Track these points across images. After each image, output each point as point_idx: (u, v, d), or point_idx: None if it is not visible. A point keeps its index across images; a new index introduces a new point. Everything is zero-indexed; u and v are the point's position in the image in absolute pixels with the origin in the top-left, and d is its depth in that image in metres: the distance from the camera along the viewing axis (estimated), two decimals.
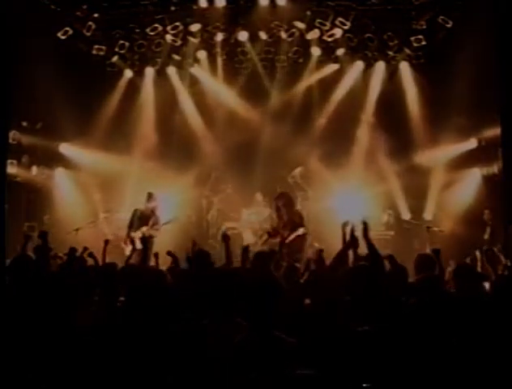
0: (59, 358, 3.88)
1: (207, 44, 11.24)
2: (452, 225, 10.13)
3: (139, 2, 10.23)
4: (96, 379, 3.70)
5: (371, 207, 10.67)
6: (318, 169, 11.04)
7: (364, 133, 11.40)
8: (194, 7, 10.33)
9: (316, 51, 11.16)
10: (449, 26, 10.06)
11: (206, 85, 11.82)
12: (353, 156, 11.20)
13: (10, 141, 9.40)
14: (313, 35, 10.70)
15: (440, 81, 10.52)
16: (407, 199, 10.98)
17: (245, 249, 5.38)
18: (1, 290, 4.86)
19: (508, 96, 8.18)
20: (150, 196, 9.09)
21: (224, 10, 10.39)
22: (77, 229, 9.55)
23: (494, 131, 9.22)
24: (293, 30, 10.72)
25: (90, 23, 10.32)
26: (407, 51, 10.87)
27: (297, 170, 10.90)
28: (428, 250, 7.51)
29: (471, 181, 10.48)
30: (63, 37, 10.31)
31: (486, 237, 9.48)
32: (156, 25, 10.53)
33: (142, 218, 8.96)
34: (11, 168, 9.68)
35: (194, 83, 11.84)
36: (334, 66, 11.53)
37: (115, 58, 11.24)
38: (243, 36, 10.87)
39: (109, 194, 11.23)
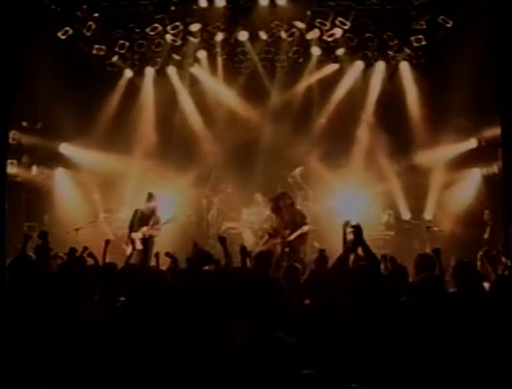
0: (59, 358, 3.88)
1: (207, 44, 11.24)
2: (452, 225, 10.13)
3: (139, 2, 10.23)
4: (96, 379, 3.70)
5: (371, 207, 10.68)
6: (318, 169, 11.04)
7: (364, 133, 11.40)
8: (194, 7, 10.33)
9: (316, 51, 11.16)
10: (449, 26, 10.06)
11: (206, 85, 11.82)
12: (353, 156, 11.20)
13: (10, 141, 9.39)
14: (313, 35, 10.70)
15: (440, 81, 10.52)
16: (407, 199, 10.98)
17: (243, 248, 5.39)
18: (1, 290, 4.86)
19: (508, 96, 8.19)
20: (150, 196, 9.10)
21: (224, 10, 10.39)
22: (77, 229, 9.55)
23: (494, 131, 9.21)
24: (293, 30, 10.72)
25: (90, 23, 10.32)
26: (407, 51, 10.87)
27: (297, 170, 10.91)
28: (428, 250, 7.51)
29: (471, 181, 10.47)
30: (63, 37, 10.31)
31: (486, 237, 9.49)
32: (156, 25, 10.53)
33: (142, 218, 8.97)
34: (11, 168, 9.67)
35: (194, 83, 11.84)
36: (334, 66, 11.53)
37: (115, 58, 11.24)
38: (243, 35, 10.87)
39: (109, 194, 11.23)
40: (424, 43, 10.49)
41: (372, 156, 11.16)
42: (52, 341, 3.99)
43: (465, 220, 10.07)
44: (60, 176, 11.50)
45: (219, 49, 11.31)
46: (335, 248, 5.60)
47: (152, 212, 8.99)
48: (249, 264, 5.38)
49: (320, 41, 10.90)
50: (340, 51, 11.13)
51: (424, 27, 10.31)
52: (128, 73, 11.68)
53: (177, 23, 10.56)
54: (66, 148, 11.43)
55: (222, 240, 5.72)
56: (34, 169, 10.91)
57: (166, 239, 9.14)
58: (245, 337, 3.28)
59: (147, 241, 7.94)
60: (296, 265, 5.22)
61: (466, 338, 3.76)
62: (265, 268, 5.28)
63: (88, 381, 3.71)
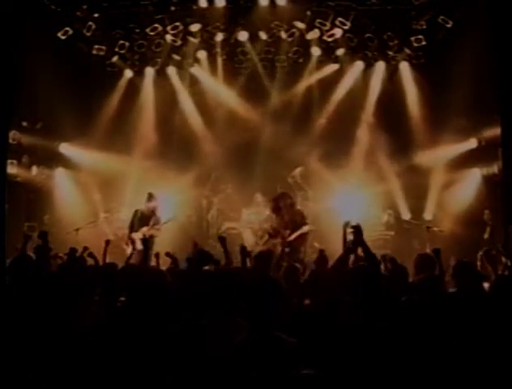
0: (59, 358, 3.88)
1: (207, 44, 11.24)
2: (452, 225, 10.13)
3: (139, 2, 10.23)
4: (96, 379, 3.71)
5: (371, 207, 10.68)
6: (318, 169, 11.04)
7: (364, 133, 11.40)
8: (194, 7, 10.33)
9: (316, 51, 11.15)
10: (449, 26, 10.06)
11: (206, 85, 11.82)
12: (353, 156, 11.20)
13: (10, 141, 9.40)
14: (313, 35, 10.69)
15: (440, 81, 10.52)
16: (407, 199, 10.98)
17: (243, 248, 5.39)
18: (1, 290, 4.86)
19: (508, 96, 8.19)
20: (150, 196, 9.10)
21: (224, 10, 10.39)
22: (77, 229, 9.55)
23: (494, 131, 9.21)
24: (293, 30, 10.72)
25: (90, 23, 10.31)
26: (407, 51, 10.86)
27: (297, 170, 10.90)
28: (428, 250, 7.51)
29: (471, 181, 10.47)
30: (63, 37, 10.31)
31: (486, 237, 9.48)
32: (156, 25, 10.52)
33: (142, 218, 8.97)
34: (11, 168, 9.67)
35: (194, 83, 11.84)
36: (334, 66, 11.52)
37: (115, 58, 11.23)
38: (243, 36, 10.86)
39: (109, 194, 11.23)
40: (424, 43, 10.49)
41: (372, 156, 11.16)
42: (52, 341, 3.99)
43: (465, 220, 10.06)
44: (60, 176, 11.49)
45: (219, 50, 11.31)
46: (335, 248, 5.60)
47: (152, 212, 9.00)
48: (249, 264, 5.38)
49: (320, 41, 10.90)
50: (340, 51, 11.12)
51: (424, 27, 10.31)
52: (128, 73, 11.67)
53: (177, 24, 10.56)
54: (66, 148, 11.43)
55: (222, 240, 5.73)
56: (34, 169, 10.90)
57: (166, 239, 9.14)
58: (245, 337, 3.28)
59: (147, 242, 7.94)
60: (296, 265, 5.23)
61: (466, 338, 3.77)
62: (265, 268, 5.28)
63: (88, 381, 3.71)
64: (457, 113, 10.20)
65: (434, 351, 3.57)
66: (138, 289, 4.26)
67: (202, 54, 11.43)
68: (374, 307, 3.74)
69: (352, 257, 5.00)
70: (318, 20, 10.39)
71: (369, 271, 4.01)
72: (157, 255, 6.19)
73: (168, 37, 10.79)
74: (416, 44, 10.57)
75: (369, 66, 11.41)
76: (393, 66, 11.34)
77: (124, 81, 11.69)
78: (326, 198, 10.88)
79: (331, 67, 11.54)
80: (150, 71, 11.68)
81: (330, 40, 10.74)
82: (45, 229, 6.67)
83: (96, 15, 10.34)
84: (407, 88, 11.25)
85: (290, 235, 8.27)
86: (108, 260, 6.05)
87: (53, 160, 11.37)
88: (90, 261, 5.86)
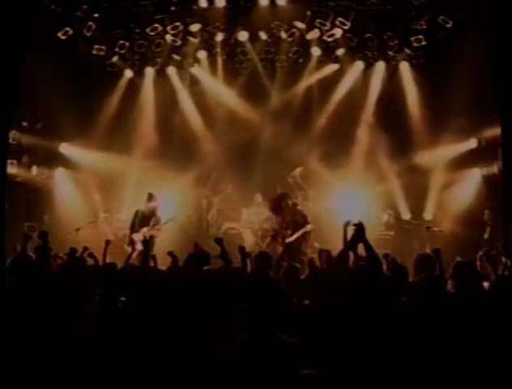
0: (59, 358, 3.88)
1: (207, 44, 11.25)
2: (452, 225, 10.12)
3: (139, 2, 10.23)
4: (96, 379, 3.71)
5: (371, 207, 10.68)
6: (318, 169, 11.04)
7: (364, 133, 11.40)
8: (194, 7, 10.33)
9: (316, 51, 11.16)
10: (449, 26, 10.06)
11: (206, 85, 11.83)
12: (353, 156, 11.21)
13: (10, 141, 9.40)
14: (313, 35, 10.70)
15: (440, 81, 10.52)
16: (407, 199, 10.98)
17: (242, 249, 5.38)
18: (1, 290, 4.86)
19: (508, 96, 8.19)
20: (150, 196, 9.10)
21: (224, 10, 10.39)
22: (77, 229, 9.54)
23: (494, 131, 9.21)
24: (293, 30, 10.73)
25: (90, 23, 10.32)
26: (407, 51, 10.87)
27: (297, 170, 10.91)
28: (428, 250, 7.50)
29: (471, 181, 10.47)
30: (63, 37, 10.32)
31: (486, 237, 9.48)
32: (156, 25, 10.53)
33: (143, 219, 8.98)
34: (11, 168, 9.67)
35: (194, 83, 11.85)
36: (334, 66, 11.54)
37: (115, 58, 11.25)
38: (243, 36, 10.87)
39: (109, 194, 11.24)
40: (424, 43, 10.49)
41: (372, 156, 11.16)
42: (52, 341, 3.99)
43: (465, 220, 10.06)
44: (60, 176, 11.50)
45: (219, 50, 11.32)
46: (335, 248, 5.58)
47: (153, 213, 9.00)
48: (249, 264, 5.37)
49: (320, 41, 10.90)
50: (340, 51, 11.13)
51: (424, 27, 10.31)
52: (128, 73, 11.69)
53: (177, 24, 10.57)
54: (66, 148, 11.43)
55: (219, 241, 5.75)
56: (34, 169, 10.91)
57: (166, 239, 9.14)
58: (245, 337, 3.27)
59: (148, 243, 7.93)
60: (296, 265, 5.22)
61: (466, 338, 3.76)
62: (265, 268, 5.27)
63: (88, 381, 3.71)
64: (457, 113, 10.19)
65: (434, 351, 3.57)
66: (138, 289, 4.26)
67: (202, 54, 11.44)
68: (374, 307, 3.74)
69: (352, 257, 5.00)
70: (318, 20, 10.40)
71: (370, 271, 4.00)
72: (153, 257, 6.15)
73: (168, 37, 10.80)
74: (415, 44, 10.58)
75: (369, 66, 11.43)
76: (393, 66, 11.34)
77: (124, 81, 11.70)
78: (326, 198, 10.89)
79: (331, 67, 11.55)
80: (150, 71, 11.69)
81: (330, 40, 10.75)
82: (45, 229, 6.66)
83: (96, 15, 10.35)
84: (407, 88, 11.26)
85: (291, 235, 8.27)
86: (108, 260, 6.05)
87: (53, 160, 11.37)
88: (90, 261, 5.86)
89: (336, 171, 10.92)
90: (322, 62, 11.51)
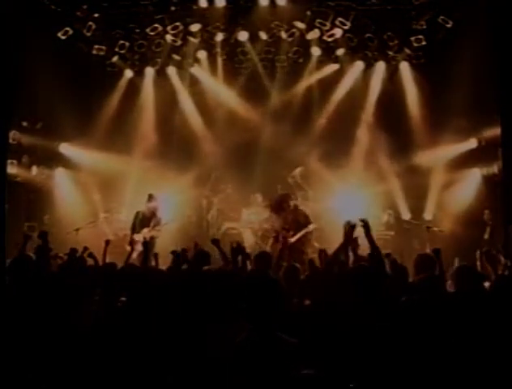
0: (59, 358, 3.88)
1: (207, 44, 11.25)
2: (452, 225, 10.12)
3: (139, 2, 10.23)
4: (96, 379, 3.71)
5: (371, 207, 10.67)
6: (318, 169, 11.04)
7: (364, 133, 11.40)
8: (194, 7, 10.33)
9: (316, 51, 11.16)
10: (449, 26, 10.06)
11: (206, 85, 11.82)
12: (353, 156, 11.20)
13: (10, 141, 9.40)
14: (313, 35, 10.70)
15: (440, 81, 10.52)
16: (407, 199, 10.98)
17: (233, 249, 5.30)
18: (1, 290, 4.86)
19: (508, 96, 8.19)
20: (150, 197, 9.11)
21: (224, 10, 10.39)
22: (77, 229, 9.55)
23: (494, 131, 9.21)
24: (293, 30, 10.73)
25: (90, 23, 10.32)
26: (407, 51, 10.87)
27: (297, 170, 10.90)
28: (428, 250, 7.50)
29: (471, 181, 10.47)
30: (63, 37, 10.31)
31: (486, 237, 9.48)
32: (156, 25, 10.53)
33: (143, 220, 9.00)
34: (11, 168, 9.67)
35: (194, 83, 11.84)
36: (334, 66, 11.53)
37: (115, 58, 11.24)
38: (243, 36, 10.87)
39: (109, 194, 11.24)
40: (424, 43, 10.49)
41: (372, 156, 11.16)
42: (52, 341, 3.99)
43: (465, 220, 10.06)
44: (60, 176, 11.49)
45: (219, 50, 11.31)
46: (335, 248, 5.58)
47: (153, 213, 9.01)
48: (241, 263, 5.33)
49: (320, 41, 10.90)
50: (340, 51, 11.13)
51: (424, 27, 10.31)
52: (128, 73, 11.68)
53: (177, 24, 10.56)
54: (66, 148, 11.43)
55: (216, 242, 5.74)
56: (34, 169, 10.90)
57: (166, 239, 9.15)
58: (245, 337, 3.27)
59: (148, 244, 7.93)
60: (296, 265, 5.21)
61: (466, 338, 3.76)
62: (265, 268, 5.27)
63: (88, 381, 3.71)
64: (457, 113, 10.19)
65: (434, 351, 3.57)
66: (138, 289, 4.26)
67: (202, 54, 11.43)
68: (374, 307, 3.74)
69: (352, 257, 5.01)
70: (318, 20, 10.40)
71: (370, 271, 4.01)
72: (156, 256, 6.17)
73: (168, 37, 10.80)
74: (415, 44, 10.58)
75: (369, 66, 11.42)
76: (393, 66, 11.34)
77: (124, 81, 11.69)
78: (326, 198, 10.88)
79: (331, 67, 11.55)
80: (150, 71, 11.68)
81: (330, 40, 10.74)
82: (45, 229, 6.65)
83: (96, 15, 10.35)
84: (407, 88, 11.26)
85: (293, 236, 8.25)
86: (108, 260, 6.05)
87: (53, 160, 11.37)
88: (90, 261, 5.86)
89: (336, 171, 10.91)
90: (322, 62, 11.50)
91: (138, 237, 8.77)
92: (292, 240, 8.19)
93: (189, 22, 10.62)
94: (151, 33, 10.66)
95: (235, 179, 11.32)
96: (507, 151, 8.54)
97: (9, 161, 9.15)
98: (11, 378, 3.83)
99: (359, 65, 11.40)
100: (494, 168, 9.69)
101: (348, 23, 10.32)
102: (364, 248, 5.53)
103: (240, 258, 5.19)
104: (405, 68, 11.28)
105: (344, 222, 5.14)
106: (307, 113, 11.54)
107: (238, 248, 5.24)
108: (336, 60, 11.42)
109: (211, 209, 11.40)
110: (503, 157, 8.77)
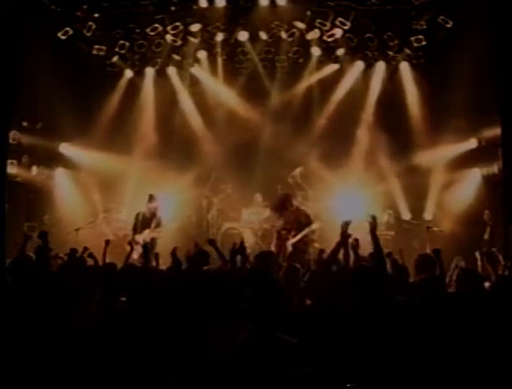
0: (59, 358, 3.88)
1: (207, 44, 11.24)
2: (452, 225, 10.12)
3: (139, 2, 10.23)
4: (96, 379, 3.70)
5: (371, 207, 10.65)
6: (318, 169, 11.03)
7: (364, 133, 11.40)
8: (194, 7, 10.33)
9: (316, 51, 11.16)
10: (449, 26, 10.06)
11: (206, 85, 11.82)
12: (353, 156, 11.20)
13: (10, 141, 9.39)
14: (313, 35, 10.70)
15: (440, 81, 10.52)
16: (407, 199, 10.98)
17: (234, 249, 5.32)
18: (1, 290, 4.86)
19: (508, 96, 8.19)
20: (151, 197, 9.11)
21: (224, 10, 10.39)
22: (77, 229, 9.54)
23: (494, 131, 9.21)
24: (293, 30, 10.72)
25: (90, 23, 10.31)
26: (407, 51, 10.86)
27: (297, 170, 10.89)
28: (428, 250, 7.50)
29: (471, 181, 10.46)
30: (63, 37, 10.31)
31: (486, 237, 9.47)
32: (156, 25, 10.52)
33: (144, 221, 9.00)
34: (11, 168, 9.66)
35: (194, 83, 11.84)
36: (334, 66, 11.53)
37: (115, 58, 11.24)
38: (243, 36, 10.87)
39: (109, 194, 11.23)
40: (424, 43, 10.49)
41: (372, 156, 11.16)
42: (52, 341, 3.99)
43: (465, 220, 10.06)
44: (60, 176, 11.49)
45: (219, 50, 11.31)
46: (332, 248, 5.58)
47: (153, 214, 9.01)
48: (240, 263, 5.34)
49: (320, 41, 10.90)
50: (340, 51, 11.13)
51: (424, 27, 10.31)
52: (128, 73, 11.68)
53: (177, 24, 10.56)
54: (66, 148, 11.43)
55: (212, 242, 5.76)
56: (34, 169, 10.89)
57: (166, 239, 9.14)
58: (245, 337, 3.28)
59: (148, 248, 7.93)
60: (296, 265, 5.21)
61: (466, 338, 3.76)
62: (265, 268, 5.27)
63: (88, 381, 3.71)
64: (457, 113, 10.19)
65: (434, 351, 3.57)
66: (138, 289, 4.26)
67: (202, 54, 11.43)
68: (374, 307, 3.74)
69: (352, 257, 5.01)
70: (318, 20, 10.39)
71: (370, 271, 4.01)
72: (156, 255, 6.18)
73: (168, 37, 10.80)
74: (415, 44, 10.58)
75: (369, 66, 11.42)
76: (393, 66, 11.34)
77: (124, 81, 11.69)
78: (326, 198, 10.87)
79: (331, 67, 11.54)
80: (150, 71, 11.68)
81: (330, 40, 10.74)
82: (45, 229, 6.65)
83: (96, 15, 10.34)
84: (407, 88, 11.26)
85: (295, 236, 8.24)
86: (108, 260, 6.05)
87: (53, 160, 11.36)
88: (90, 261, 5.86)
89: (336, 171, 10.91)
90: (322, 62, 11.49)
91: (140, 238, 8.77)
92: (294, 240, 8.18)
93: (189, 22, 10.62)
94: (151, 33, 10.66)
95: (235, 179, 11.32)
96: (507, 151, 8.54)
97: (9, 161, 9.14)
98: (11, 378, 3.83)
99: (359, 65, 11.40)
100: (494, 168, 9.69)
101: (348, 23, 10.32)
102: (364, 248, 5.54)
103: (239, 257, 5.20)
104: (405, 68, 11.28)
105: (343, 222, 5.15)
106: (307, 113, 11.54)
107: (238, 248, 5.25)
108: (336, 60, 11.41)
109: (211, 209, 11.40)
110: (503, 157, 8.77)
